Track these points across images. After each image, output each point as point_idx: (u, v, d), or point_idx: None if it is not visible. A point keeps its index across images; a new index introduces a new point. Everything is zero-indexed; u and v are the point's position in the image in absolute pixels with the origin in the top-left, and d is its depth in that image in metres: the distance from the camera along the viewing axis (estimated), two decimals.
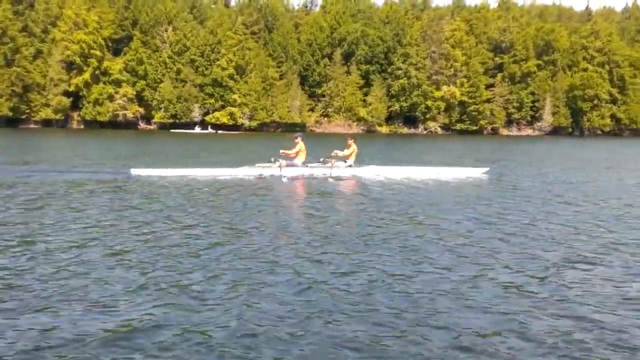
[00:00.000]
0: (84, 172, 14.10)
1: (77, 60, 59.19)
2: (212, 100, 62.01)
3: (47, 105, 59.04)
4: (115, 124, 60.63)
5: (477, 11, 76.39)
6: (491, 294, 4.81)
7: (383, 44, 68.33)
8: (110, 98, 60.43)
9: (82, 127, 61.14)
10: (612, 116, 72.55)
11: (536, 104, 71.28)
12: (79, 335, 3.81)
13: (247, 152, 25.83)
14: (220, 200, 9.79)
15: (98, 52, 59.80)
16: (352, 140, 15.28)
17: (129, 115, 62.07)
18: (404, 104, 67.41)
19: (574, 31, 75.71)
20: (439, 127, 68.90)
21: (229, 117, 62.02)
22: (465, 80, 68.04)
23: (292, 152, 14.50)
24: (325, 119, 67.09)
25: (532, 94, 70.93)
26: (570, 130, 72.71)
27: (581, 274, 5.50)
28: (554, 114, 70.82)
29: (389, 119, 68.66)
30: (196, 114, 61.03)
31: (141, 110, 62.79)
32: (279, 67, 66.50)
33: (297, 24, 72.36)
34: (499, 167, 18.61)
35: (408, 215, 8.59)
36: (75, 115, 62.04)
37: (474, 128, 68.75)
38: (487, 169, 15.95)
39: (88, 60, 59.38)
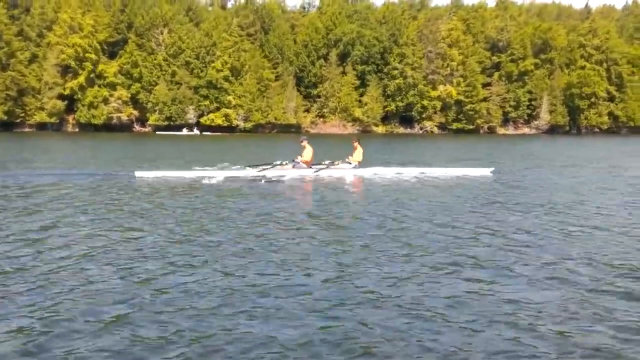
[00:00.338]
0: (83, 174, 14.19)
1: (72, 63, 59.25)
2: (207, 102, 61.89)
3: (42, 108, 59.06)
4: (109, 127, 60.50)
5: (475, 10, 76.14)
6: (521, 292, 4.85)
7: (379, 44, 68.18)
8: (105, 101, 60.44)
9: (77, 130, 61.05)
10: (610, 114, 72.30)
11: (533, 103, 71.09)
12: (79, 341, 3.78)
13: (232, 154, 25.69)
14: (226, 203, 9.72)
15: (93, 56, 59.81)
16: (357, 142, 15.28)
17: (124, 118, 62.00)
18: (400, 104, 67.26)
19: (572, 29, 75.51)
20: (436, 126, 68.71)
21: (223, 118, 61.86)
22: (461, 79, 67.86)
23: (308, 157, 14.54)
24: (321, 119, 66.94)
25: (529, 92, 70.75)
26: (567, 128, 72.51)
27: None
28: (551, 112, 70.62)
29: (385, 118, 68.51)
30: (191, 116, 60.88)
31: (136, 112, 62.73)
32: (274, 68, 66.39)
33: (293, 25, 72.30)
34: (503, 165, 18.79)
35: (426, 217, 8.50)
36: (70, 118, 62.07)
37: (471, 127, 68.53)
38: (493, 168, 16.12)
39: (83, 63, 59.45)
